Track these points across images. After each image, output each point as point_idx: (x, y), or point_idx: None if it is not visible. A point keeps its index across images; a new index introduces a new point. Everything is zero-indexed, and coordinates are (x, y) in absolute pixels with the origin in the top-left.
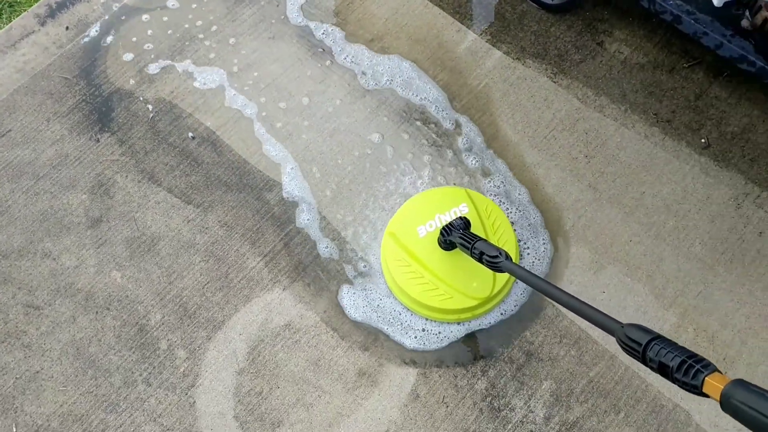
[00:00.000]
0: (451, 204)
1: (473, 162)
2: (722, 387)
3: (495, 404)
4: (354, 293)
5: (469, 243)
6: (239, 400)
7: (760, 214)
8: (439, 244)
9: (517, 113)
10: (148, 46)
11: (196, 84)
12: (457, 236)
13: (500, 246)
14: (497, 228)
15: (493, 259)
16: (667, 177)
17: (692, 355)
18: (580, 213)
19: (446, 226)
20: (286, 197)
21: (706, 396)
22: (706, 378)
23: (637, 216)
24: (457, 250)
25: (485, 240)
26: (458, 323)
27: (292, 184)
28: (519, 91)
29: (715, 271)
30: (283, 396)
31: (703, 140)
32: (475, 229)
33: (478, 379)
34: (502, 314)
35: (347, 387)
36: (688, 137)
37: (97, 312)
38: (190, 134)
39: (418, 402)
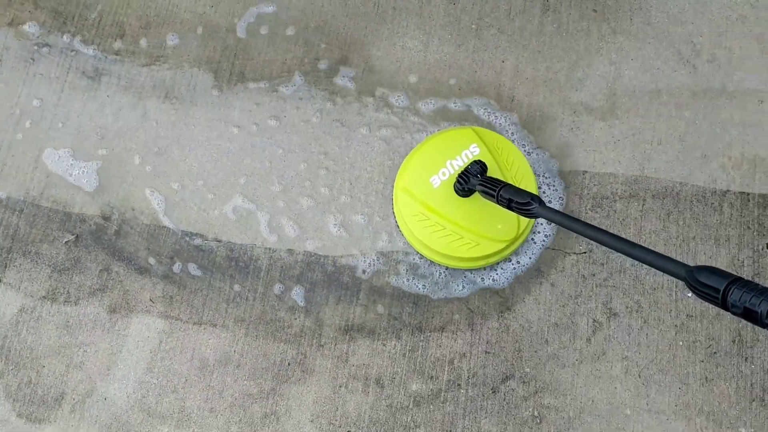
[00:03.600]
0: (460, 147)
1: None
2: None
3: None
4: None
5: (494, 191)
6: (14, 399)
7: None
8: (457, 192)
9: None
10: None
11: None
12: (476, 183)
13: (519, 182)
14: (511, 164)
15: (524, 206)
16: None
17: None
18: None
19: (462, 173)
20: None
21: None
22: None
23: (397, 48)
24: (476, 194)
25: (510, 185)
26: None
27: None
28: None
29: (479, 57)
30: (52, 371)
31: None
32: (492, 170)
33: (218, 248)
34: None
35: (105, 328)
36: None
37: None
38: None
39: (174, 302)
